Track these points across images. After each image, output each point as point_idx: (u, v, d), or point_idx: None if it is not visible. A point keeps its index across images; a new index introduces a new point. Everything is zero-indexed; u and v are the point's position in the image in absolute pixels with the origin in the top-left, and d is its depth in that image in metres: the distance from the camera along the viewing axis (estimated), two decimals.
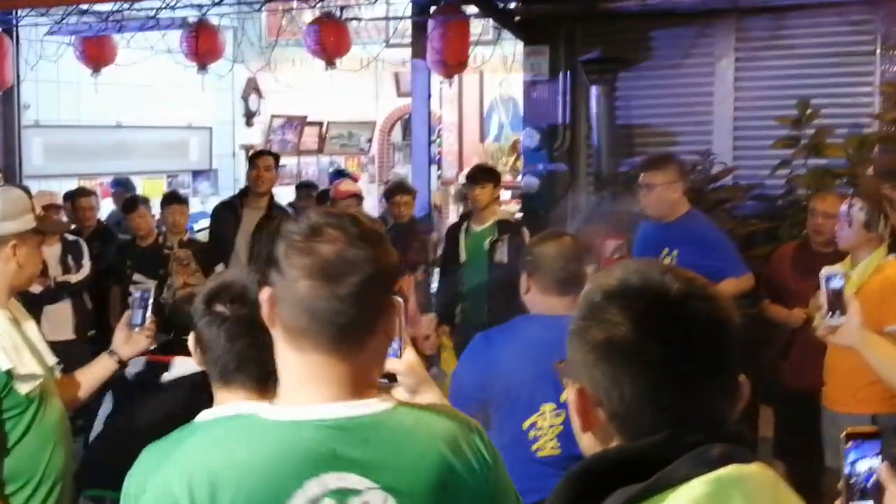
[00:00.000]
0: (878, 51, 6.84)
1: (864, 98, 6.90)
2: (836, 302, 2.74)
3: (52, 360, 3.07)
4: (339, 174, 10.03)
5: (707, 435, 1.31)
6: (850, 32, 6.93)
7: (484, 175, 6.67)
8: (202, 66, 8.49)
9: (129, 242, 7.32)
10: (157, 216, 7.61)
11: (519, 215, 8.20)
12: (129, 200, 7.64)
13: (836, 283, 2.75)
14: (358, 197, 6.73)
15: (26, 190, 3.53)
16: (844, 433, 1.68)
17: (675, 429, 1.31)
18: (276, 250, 1.65)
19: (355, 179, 9.32)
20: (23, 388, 2.87)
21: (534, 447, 3.16)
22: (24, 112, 10.05)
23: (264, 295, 1.66)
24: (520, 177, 12.01)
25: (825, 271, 2.79)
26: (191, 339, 2.21)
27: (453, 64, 7.24)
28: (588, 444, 1.40)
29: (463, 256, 6.54)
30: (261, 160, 7.26)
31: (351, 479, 1.60)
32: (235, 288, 2.17)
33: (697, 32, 7.27)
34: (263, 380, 2.10)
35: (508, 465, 1.82)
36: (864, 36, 6.89)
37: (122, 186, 9.75)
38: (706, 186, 6.57)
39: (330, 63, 8.01)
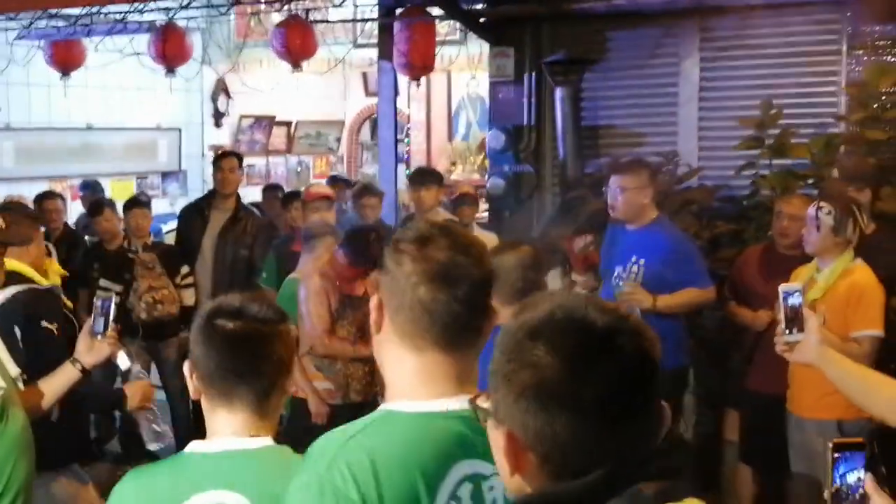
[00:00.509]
0: (844, 51, 6.85)
1: (829, 98, 6.90)
2: (795, 318, 2.74)
3: (14, 370, 3.05)
4: (334, 179, 9.86)
5: (639, 472, 1.31)
6: (815, 32, 6.93)
7: (427, 177, 6.69)
8: (170, 70, 8.45)
9: (95, 246, 7.27)
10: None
11: (485, 216, 8.21)
12: (94, 203, 7.58)
13: (795, 300, 2.75)
14: (329, 199, 6.69)
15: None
16: (832, 444, 1.71)
17: (607, 469, 1.29)
18: (384, 262, 1.78)
19: (347, 184, 9.17)
20: None
21: None
22: None
23: (373, 302, 1.79)
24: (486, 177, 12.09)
25: (783, 287, 2.79)
26: (186, 367, 2.21)
27: (419, 66, 7.22)
28: (516, 486, 1.37)
29: None
30: (225, 162, 7.25)
31: (481, 466, 1.71)
32: (232, 308, 2.19)
33: (662, 33, 7.26)
34: (264, 401, 2.18)
35: None
36: (829, 36, 6.90)
37: (90, 189, 9.71)
38: (672, 188, 6.57)
39: (296, 65, 7.98)
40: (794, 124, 6.58)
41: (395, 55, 7.25)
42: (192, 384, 2.20)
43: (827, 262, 4.56)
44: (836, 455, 1.73)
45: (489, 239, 6.61)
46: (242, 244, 7.02)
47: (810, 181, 6.28)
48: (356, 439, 1.70)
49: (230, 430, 2.16)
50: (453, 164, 12.53)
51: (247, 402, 2.16)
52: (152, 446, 5.78)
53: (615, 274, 5.06)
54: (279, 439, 2.22)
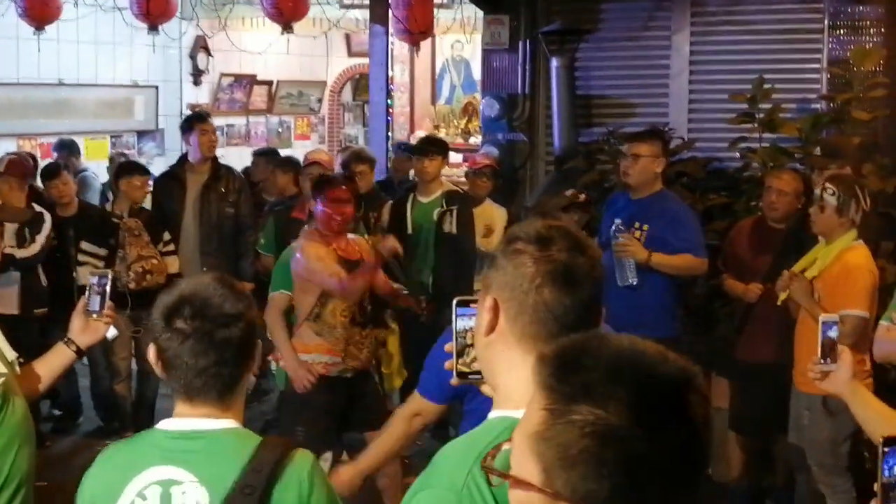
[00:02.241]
0: (826, 30, 6.98)
1: (813, 75, 7.04)
2: (831, 349, 2.85)
3: (11, 354, 2.90)
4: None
5: None
6: (800, 10, 7.07)
7: (433, 147, 6.64)
8: (153, 27, 8.28)
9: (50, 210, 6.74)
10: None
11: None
12: (51, 166, 7.23)
13: (832, 333, 2.86)
14: (321, 165, 6.69)
15: None
16: (882, 438, 1.77)
17: None
18: (497, 261, 1.72)
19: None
20: None
21: None
22: None
23: (488, 303, 1.71)
24: (471, 139, 12.11)
25: (823, 317, 2.89)
26: (151, 352, 2.20)
27: (417, 32, 7.23)
28: None
29: (409, 229, 6.47)
30: (206, 125, 6.97)
31: None
32: (196, 302, 2.16)
33: (655, 6, 7.35)
34: (226, 395, 2.19)
35: None
36: (812, 14, 7.02)
37: (66, 150, 9.36)
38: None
39: (287, 27, 7.93)
40: (780, 99, 6.70)
41: (391, 21, 7.26)
42: (158, 369, 2.21)
43: (832, 241, 4.69)
44: (885, 449, 1.78)
45: (500, 214, 6.68)
46: (226, 202, 6.83)
47: (799, 157, 6.42)
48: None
49: (193, 414, 2.20)
50: (436, 127, 12.54)
51: (208, 399, 2.18)
52: None
53: (613, 227, 5.16)
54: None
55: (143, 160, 11.92)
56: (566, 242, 1.70)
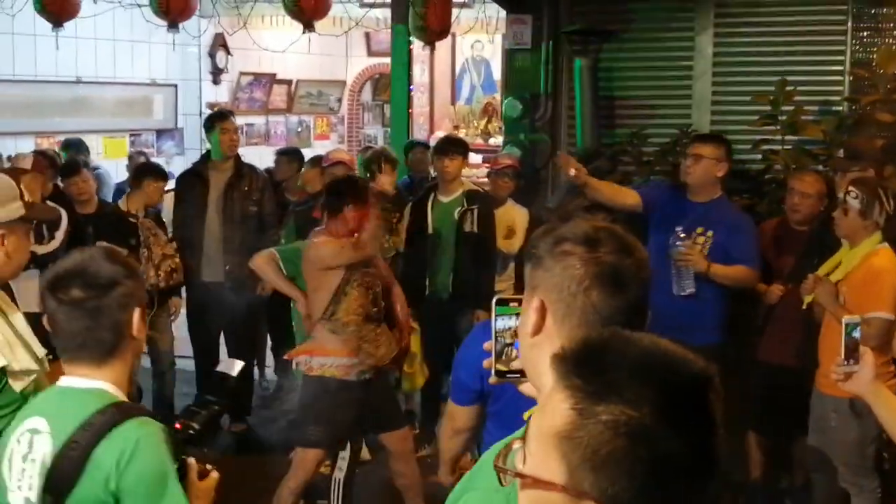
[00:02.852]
0: (849, 31, 6.96)
1: (835, 77, 7.03)
2: (854, 350, 2.87)
3: (41, 351, 2.93)
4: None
5: None
6: (823, 12, 7.05)
7: (454, 147, 6.64)
8: (172, 25, 8.29)
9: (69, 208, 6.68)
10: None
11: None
12: (70, 163, 7.25)
13: (856, 334, 2.89)
14: (344, 164, 6.71)
15: (14, 175, 3.32)
16: None
17: None
18: (544, 262, 1.71)
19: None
20: (17, 385, 2.76)
21: None
22: None
23: (534, 304, 1.71)
24: (491, 140, 12.11)
25: (846, 319, 2.91)
26: (45, 319, 2.42)
27: (436, 31, 7.23)
28: None
29: (430, 228, 6.47)
30: (227, 123, 6.99)
31: None
32: (74, 272, 2.37)
33: (678, 6, 7.34)
34: (103, 358, 2.38)
35: None
36: (836, 16, 7.01)
37: (73, 148, 9.31)
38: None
39: (308, 26, 7.94)
40: (802, 101, 6.70)
41: (410, 19, 7.25)
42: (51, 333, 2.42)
43: (856, 244, 4.68)
44: None
45: (522, 215, 6.68)
46: (250, 200, 6.86)
47: (822, 159, 6.42)
48: None
49: (72, 374, 2.41)
50: (456, 127, 12.55)
51: (83, 360, 2.37)
52: None
53: (673, 234, 5.12)
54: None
55: (162, 159, 12.00)
56: (614, 244, 1.71)
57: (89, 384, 2.37)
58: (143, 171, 7.02)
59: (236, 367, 2.81)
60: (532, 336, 1.72)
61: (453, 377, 3.45)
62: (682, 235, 5.11)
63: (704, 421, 1.20)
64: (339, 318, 5.01)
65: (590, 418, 1.18)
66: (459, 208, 6.41)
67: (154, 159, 11.06)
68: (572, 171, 5.20)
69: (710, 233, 5.21)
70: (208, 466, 2.48)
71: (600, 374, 1.20)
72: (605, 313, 1.67)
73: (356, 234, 5.02)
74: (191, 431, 2.53)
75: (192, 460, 2.42)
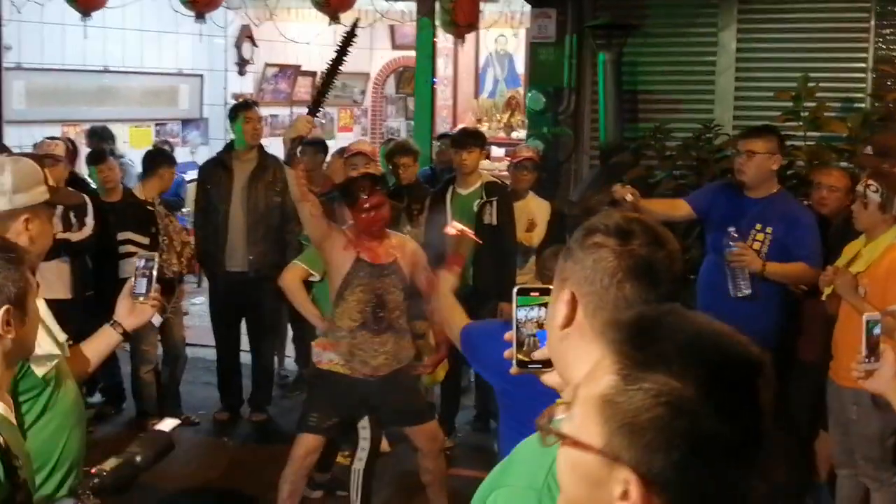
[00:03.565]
0: (873, 28, 6.95)
1: (858, 74, 7.03)
2: (875, 347, 2.85)
3: (62, 336, 2.91)
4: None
5: None
6: (847, 10, 7.06)
7: (471, 139, 6.62)
8: (199, 15, 8.34)
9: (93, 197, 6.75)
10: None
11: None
12: (97, 152, 7.29)
13: (877, 331, 2.86)
14: (366, 156, 6.73)
15: (38, 159, 3.30)
16: None
17: None
18: (574, 254, 1.69)
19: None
20: (39, 370, 2.73)
21: None
22: (5, 54, 9.70)
23: (565, 296, 1.67)
24: (514, 134, 12.12)
25: (867, 316, 2.88)
26: None
27: (463, 25, 7.25)
28: None
29: (449, 221, 6.51)
30: (251, 113, 7.02)
31: None
32: None
33: (702, 1, 7.35)
34: None
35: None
36: (860, 13, 7.00)
37: (97, 137, 9.32)
38: (711, 157, 6.67)
39: (334, 18, 7.98)
40: (824, 98, 6.69)
41: (437, 13, 7.29)
42: None
43: (874, 237, 4.68)
44: None
45: (543, 207, 6.69)
46: (274, 190, 6.88)
47: (846, 155, 6.41)
48: None
49: None
50: (479, 120, 12.55)
51: None
52: None
53: (727, 234, 5.01)
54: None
55: (187, 149, 12.10)
56: (647, 236, 1.68)
57: None
58: (158, 158, 7.04)
59: (171, 425, 2.72)
60: (562, 329, 1.69)
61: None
62: (735, 235, 5.00)
63: (749, 406, 1.19)
64: (334, 321, 4.99)
65: (633, 384, 1.18)
66: (478, 200, 6.42)
67: (179, 149, 11.25)
68: (629, 197, 5.10)
69: (768, 229, 5.08)
70: None
71: (651, 344, 1.20)
72: (634, 304, 1.62)
73: (380, 237, 5.01)
74: (97, 480, 2.46)
75: None
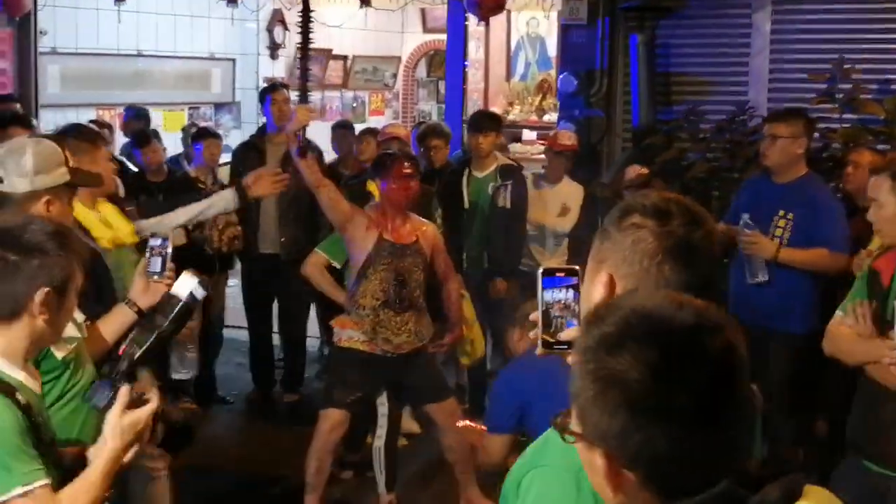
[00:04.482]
0: None
1: (894, 55, 6.95)
2: None
3: (80, 317, 2.89)
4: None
5: (759, 478, 1.27)
6: None
7: (487, 122, 6.64)
8: (232, 0, 8.39)
9: (138, 177, 6.99)
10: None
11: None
12: (141, 134, 7.45)
13: None
14: (398, 140, 6.75)
15: (59, 141, 3.31)
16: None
17: (723, 482, 1.25)
18: (611, 235, 1.67)
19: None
20: (59, 353, 2.73)
21: None
22: (41, 39, 9.58)
23: (602, 278, 1.66)
24: (545, 117, 12.08)
25: None
26: None
27: (491, 5, 7.23)
28: None
29: (466, 204, 6.50)
30: (277, 94, 7.09)
31: None
32: (6, 231, 2.31)
33: None
34: (14, 317, 2.31)
35: None
36: None
37: (135, 116, 9.30)
38: (745, 139, 6.63)
39: (365, 2, 8.01)
40: (860, 80, 6.62)
41: None
42: None
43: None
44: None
45: (577, 191, 6.68)
46: None
47: (882, 137, 6.35)
48: None
49: None
50: (510, 104, 12.51)
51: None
52: (178, 374, 5.90)
53: (741, 222, 4.94)
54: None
55: (219, 132, 12.13)
56: (685, 216, 1.66)
57: None
58: (201, 135, 7.27)
59: (187, 287, 2.72)
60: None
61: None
62: (750, 222, 4.91)
63: (697, 366, 1.22)
64: (356, 300, 5.06)
65: (580, 370, 1.27)
66: (493, 183, 6.44)
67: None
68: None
69: (790, 215, 4.98)
70: (145, 396, 2.40)
71: (595, 328, 1.28)
72: (677, 287, 1.60)
73: (404, 210, 5.06)
74: (125, 363, 2.50)
75: (124, 389, 2.37)
